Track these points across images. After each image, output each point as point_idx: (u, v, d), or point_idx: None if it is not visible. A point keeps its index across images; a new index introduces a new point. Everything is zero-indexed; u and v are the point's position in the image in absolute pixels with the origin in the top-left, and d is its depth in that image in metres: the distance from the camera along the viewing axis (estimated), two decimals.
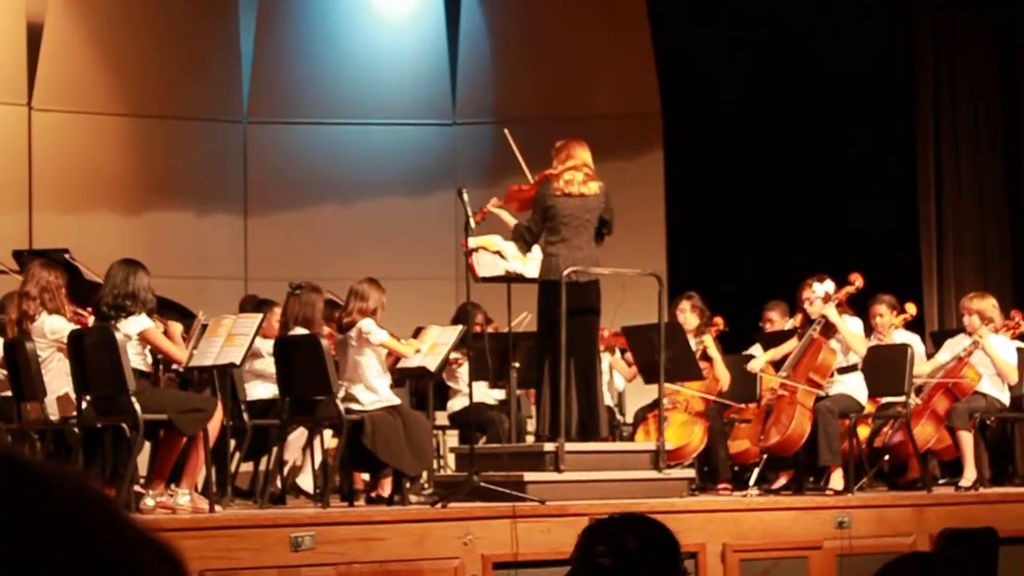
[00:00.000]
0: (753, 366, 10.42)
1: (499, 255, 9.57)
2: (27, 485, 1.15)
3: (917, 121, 14.08)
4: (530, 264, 9.52)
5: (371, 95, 14.88)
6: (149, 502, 8.19)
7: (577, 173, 9.12)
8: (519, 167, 9.79)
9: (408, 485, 8.94)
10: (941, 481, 10.83)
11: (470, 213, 8.88)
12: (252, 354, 9.29)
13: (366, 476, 9.70)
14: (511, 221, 9.39)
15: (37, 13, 13.70)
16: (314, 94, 14.84)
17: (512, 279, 9.66)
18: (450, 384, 11.20)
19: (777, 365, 10.23)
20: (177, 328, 8.73)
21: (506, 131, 9.86)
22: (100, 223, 13.72)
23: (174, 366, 9.37)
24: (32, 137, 13.66)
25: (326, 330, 9.54)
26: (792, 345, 10.20)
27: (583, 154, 9.20)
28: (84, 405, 8.31)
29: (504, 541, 7.94)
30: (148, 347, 8.55)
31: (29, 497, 1.14)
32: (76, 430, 8.49)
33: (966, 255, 13.79)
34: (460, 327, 9.83)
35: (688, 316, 10.71)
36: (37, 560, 1.10)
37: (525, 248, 9.32)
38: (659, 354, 9.47)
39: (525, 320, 10.67)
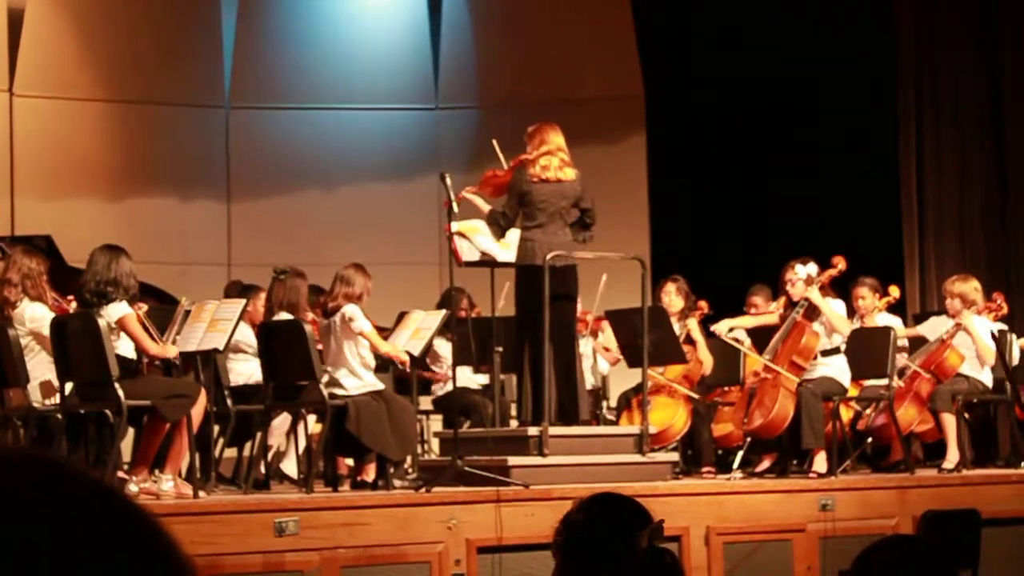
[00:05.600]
0: (719, 328, 10.37)
1: (477, 246, 9.56)
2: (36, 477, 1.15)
3: (899, 102, 14.09)
4: (505, 251, 9.50)
5: (353, 80, 14.87)
6: (133, 488, 8.17)
7: (552, 159, 9.09)
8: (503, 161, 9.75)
9: (392, 470, 8.94)
10: (924, 463, 10.86)
11: (452, 198, 8.88)
12: (233, 347, 9.30)
13: (350, 461, 9.71)
14: (485, 207, 9.37)
15: None
16: (296, 79, 14.82)
17: (495, 263, 9.66)
18: (434, 369, 11.21)
19: (760, 347, 10.24)
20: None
21: (494, 142, 9.77)
22: (82, 209, 13.70)
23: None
24: (13, 123, 13.63)
25: (310, 315, 9.53)
26: (766, 319, 10.23)
27: (557, 138, 9.18)
28: (67, 391, 8.29)
29: (488, 525, 7.95)
30: None
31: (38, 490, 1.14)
32: (59, 416, 8.47)
33: (947, 237, 13.81)
34: (443, 312, 9.82)
35: (673, 299, 10.72)
36: (40, 551, 1.10)
37: (499, 233, 9.30)
38: (642, 338, 9.48)
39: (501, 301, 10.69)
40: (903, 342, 10.83)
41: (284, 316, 9.36)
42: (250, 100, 14.67)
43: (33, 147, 13.71)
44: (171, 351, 8.73)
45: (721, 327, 10.36)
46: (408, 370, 9.95)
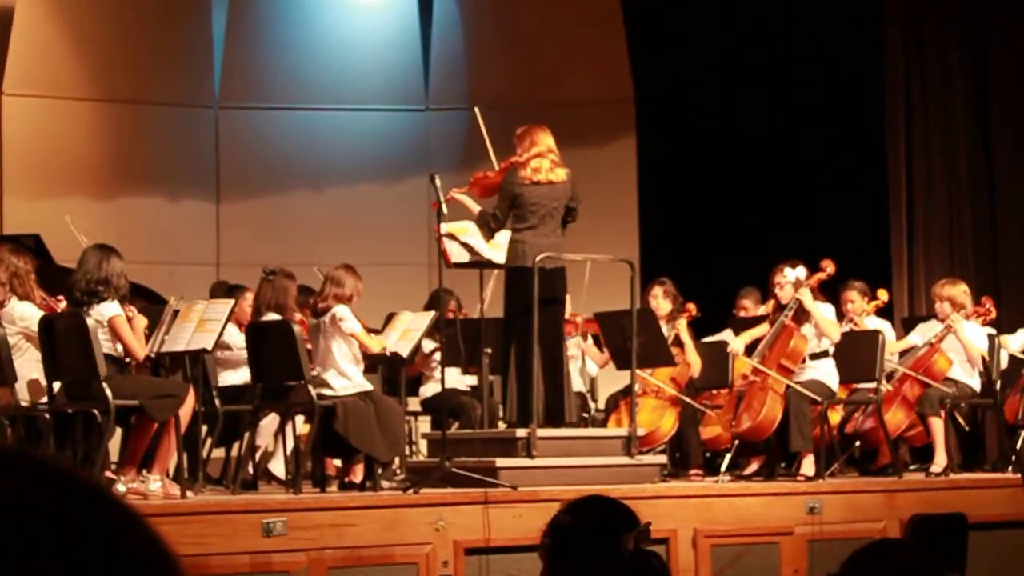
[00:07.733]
0: (736, 347, 10.35)
1: (467, 247, 9.55)
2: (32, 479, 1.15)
3: (887, 106, 14.10)
4: (494, 251, 9.50)
5: (344, 80, 14.85)
6: (120, 488, 8.16)
7: (543, 160, 9.10)
8: (492, 153, 9.77)
9: (380, 471, 8.94)
10: (912, 467, 10.88)
11: (441, 199, 8.89)
12: (221, 345, 9.28)
13: (338, 462, 9.70)
14: (475, 208, 9.37)
15: None
16: (286, 79, 14.80)
17: (484, 265, 9.66)
18: (422, 370, 11.20)
19: (749, 350, 10.24)
20: (141, 322, 8.66)
21: (476, 110, 9.83)
22: (71, 208, 13.64)
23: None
24: (2, 122, 13.60)
25: (298, 316, 9.52)
26: (765, 328, 10.22)
27: (547, 140, 9.19)
28: (55, 391, 8.27)
29: (476, 527, 7.95)
30: None
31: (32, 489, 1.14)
32: (47, 416, 8.46)
33: (936, 241, 13.82)
34: (432, 313, 9.82)
35: (660, 302, 10.72)
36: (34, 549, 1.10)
37: (488, 235, 9.30)
38: (631, 340, 9.48)
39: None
40: (895, 357, 10.81)
41: (272, 316, 9.35)
42: (240, 100, 14.65)
43: (22, 146, 13.68)
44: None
45: (738, 347, 10.30)
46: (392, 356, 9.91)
